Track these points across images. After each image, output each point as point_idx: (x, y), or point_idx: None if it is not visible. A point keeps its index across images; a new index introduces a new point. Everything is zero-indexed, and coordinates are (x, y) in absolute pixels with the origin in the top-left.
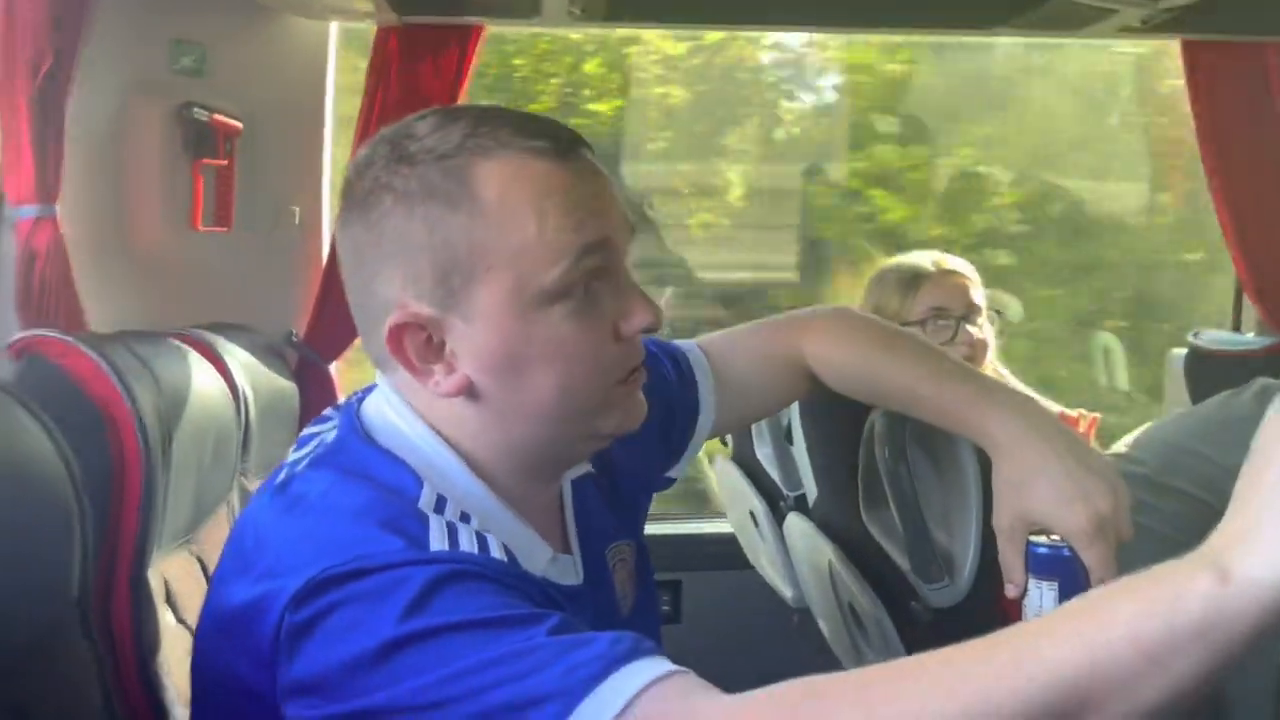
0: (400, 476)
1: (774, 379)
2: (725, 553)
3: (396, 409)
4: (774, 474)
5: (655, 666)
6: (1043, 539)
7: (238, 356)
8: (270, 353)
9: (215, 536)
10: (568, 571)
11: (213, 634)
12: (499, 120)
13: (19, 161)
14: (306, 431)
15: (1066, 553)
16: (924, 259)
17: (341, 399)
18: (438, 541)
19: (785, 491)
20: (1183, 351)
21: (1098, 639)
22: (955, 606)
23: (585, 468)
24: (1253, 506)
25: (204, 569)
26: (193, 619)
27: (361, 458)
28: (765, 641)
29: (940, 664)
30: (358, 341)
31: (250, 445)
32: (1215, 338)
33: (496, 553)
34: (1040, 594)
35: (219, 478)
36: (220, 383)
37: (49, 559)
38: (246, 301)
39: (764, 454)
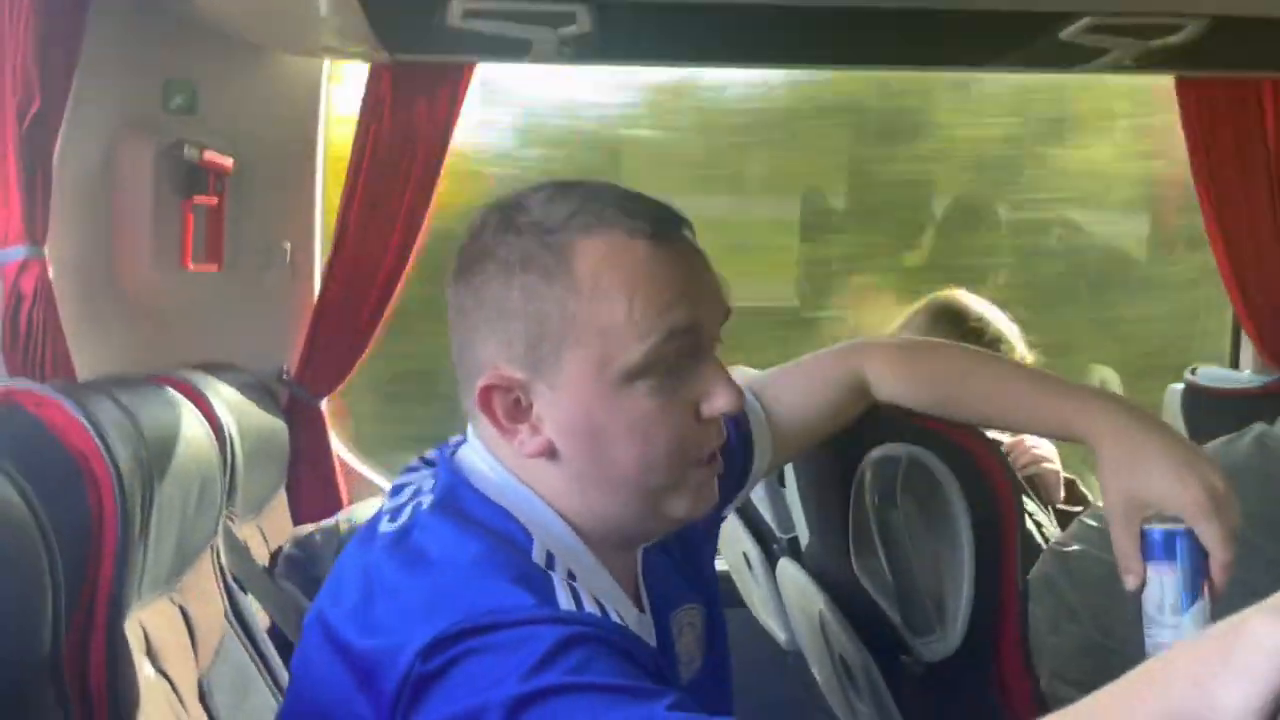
0: (510, 528)
1: (830, 404)
2: (721, 591)
3: (489, 464)
4: (767, 516)
5: None
6: (1156, 524)
7: (224, 396)
8: (260, 391)
9: (198, 584)
10: (647, 632)
11: (326, 670)
12: (606, 198)
13: (6, 202)
14: (399, 480)
15: (1184, 533)
16: (982, 306)
17: (331, 436)
18: (565, 600)
19: (778, 534)
20: (1180, 387)
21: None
22: (946, 660)
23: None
24: None
25: (185, 618)
26: (174, 669)
27: (474, 507)
28: (759, 682)
29: None
30: (350, 379)
31: (236, 487)
32: (1212, 375)
33: (615, 618)
34: (1160, 583)
35: (203, 523)
36: (205, 426)
37: (17, 616)
38: (237, 340)
39: (757, 496)
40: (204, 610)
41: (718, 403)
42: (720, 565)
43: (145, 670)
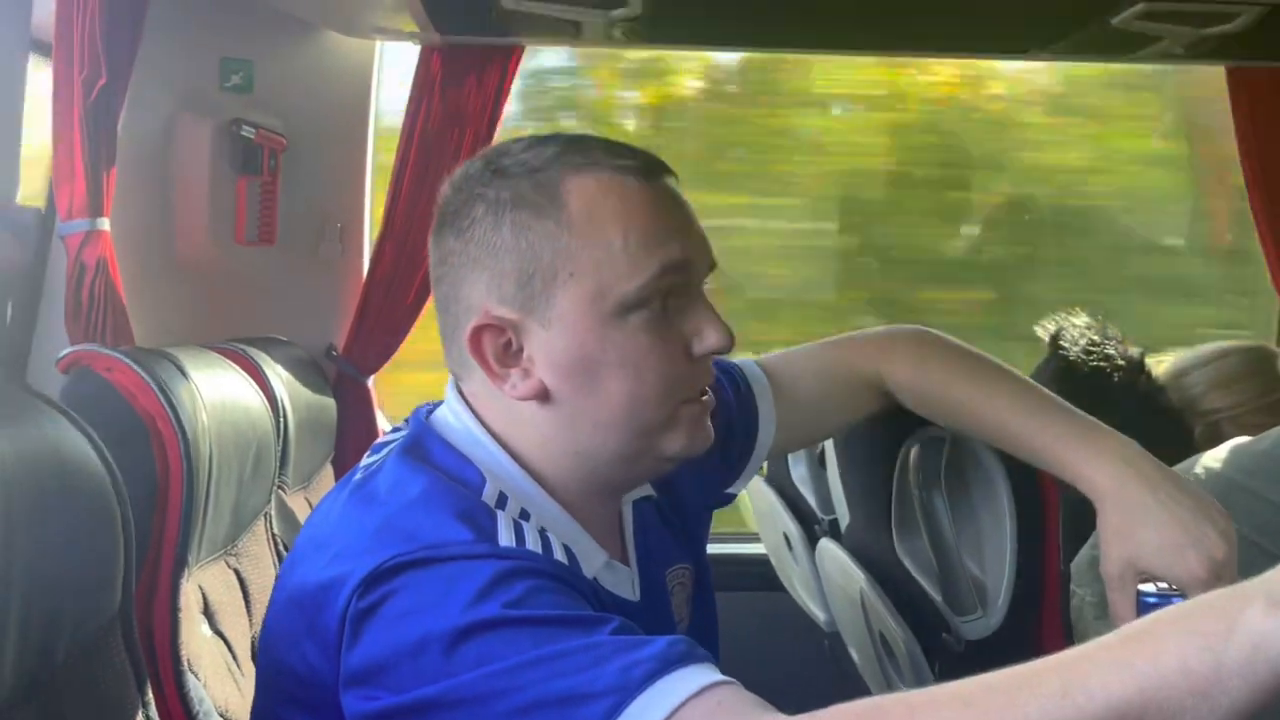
0: (464, 471)
1: (845, 398)
2: (759, 574)
3: (460, 416)
4: (808, 497)
5: (708, 674)
6: (1151, 587)
7: (278, 370)
8: (310, 367)
9: (253, 549)
10: (623, 583)
11: (283, 616)
12: (590, 143)
13: (71, 176)
14: (381, 439)
15: (1178, 600)
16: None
17: (378, 413)
18: (505, 537)
19: (820, 515)
20: None
21: (1148, 670)
22: (988, 639)
23: (647, 490)
24: None
25: (241, 581)
26: (229, 630)
27: (434, 452)
28: (797, 665)
29: (988, 691)
30: (395, 357)
31: (289, 458)
32: None
33: (559, 555)
34: None
35: (257, 490)
36: (260, 396)
37: (93, 571)
38: (288, 316)
39: (799, 476)
40: (257, 575)
41: (709, 340)
42: (759, 548)
43: (202, 629)
